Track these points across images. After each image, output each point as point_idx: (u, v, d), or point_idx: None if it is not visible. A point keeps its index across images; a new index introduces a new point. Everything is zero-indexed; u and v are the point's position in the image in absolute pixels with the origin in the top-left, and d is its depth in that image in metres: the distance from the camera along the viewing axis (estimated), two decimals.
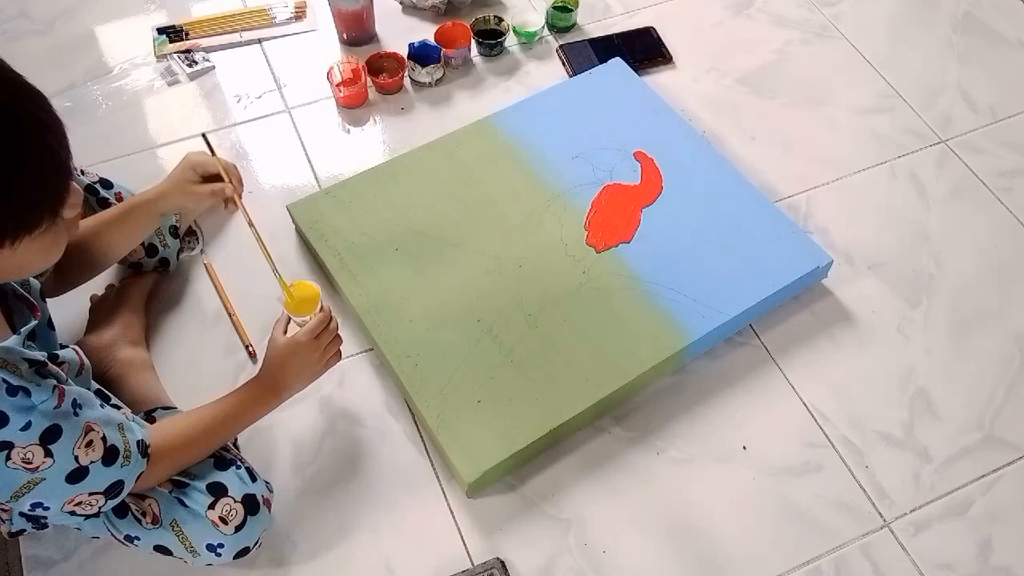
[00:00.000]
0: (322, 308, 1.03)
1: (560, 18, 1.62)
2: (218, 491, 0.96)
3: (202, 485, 0.96)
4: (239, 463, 1.01)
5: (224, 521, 0.95)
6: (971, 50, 1.62)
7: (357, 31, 1.59)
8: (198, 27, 1.61)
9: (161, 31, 1.60)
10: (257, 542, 0.99)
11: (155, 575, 1.04)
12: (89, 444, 0.83)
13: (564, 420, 1.10)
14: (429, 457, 1.13)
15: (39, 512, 0.85)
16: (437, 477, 1.12)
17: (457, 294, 1.20)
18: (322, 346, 1.02)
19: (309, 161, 1.43)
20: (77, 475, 0.83)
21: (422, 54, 1.51)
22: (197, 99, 1.51)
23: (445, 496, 1.10)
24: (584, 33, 1.63)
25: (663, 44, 1.60)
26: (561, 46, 1.60)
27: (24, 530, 1.00)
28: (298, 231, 1.31)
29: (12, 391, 0.77)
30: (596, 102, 1.43)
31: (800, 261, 1.23)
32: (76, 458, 0.82)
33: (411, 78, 1.53)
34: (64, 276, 1.06)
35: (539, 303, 1.19)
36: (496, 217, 1.28)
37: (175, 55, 1.57)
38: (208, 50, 1.58)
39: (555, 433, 1.10)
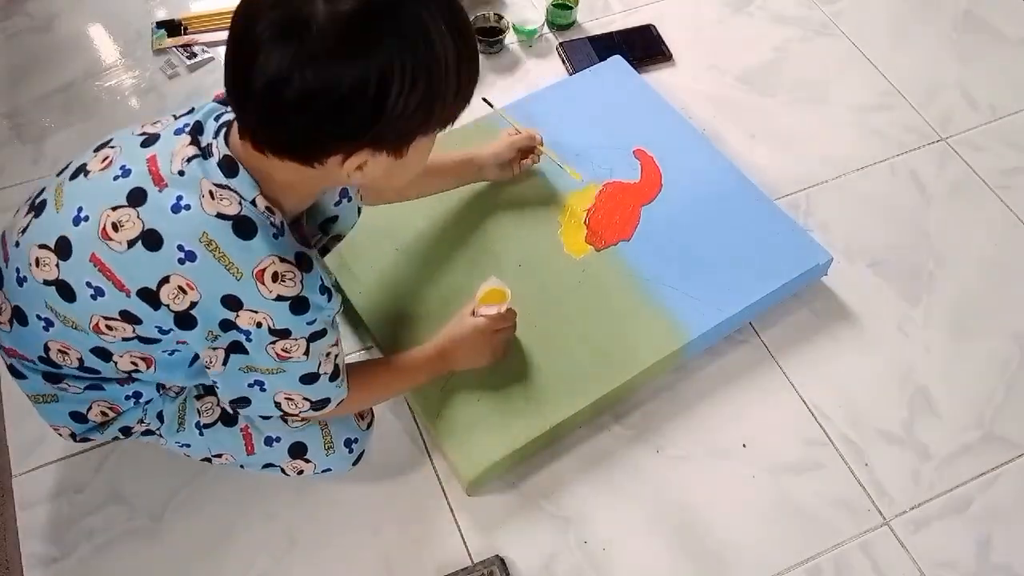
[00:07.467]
0: (508, 308, 1.08)
1: (560, 16, 1.61)
2: None
3: None
4: None
5: (361, 416, 1.05)
6: (971, 48, 1.62)
7: None
8: (196, 22, 1.61)
9: (160, 25, 1.61)
10: (364, 452, 1.06)
11: (154, 572, 1.04)
12: (327, 355, 0.87)
13: (564, 418, 1.10)
14: (429, 455, 1.13)
15: (253, 391, 0.87)
16: (437, 475, 1.12)
17: (457, 293, 1.20)
18: (494, 338, 1.08)
19: None
20: (310, 378, 0.87)
21: None
22: (197, 92, 1.51)
23: (445, 494, 1.10)
24: (584, 31, 1.63)
25: (663, 42, 1.60)
26: (561, 44, 1.59)
27: (88, 439, 0.98)
28: None
29: (323, 290, 0.82)
30: (596, 100, 1.43)
31: (800, 259, 1.23)
32: (319, 364, 0.86)
33: None
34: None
35: (539, 302, 1.19)
36: (496, 216, 1.27)
37: (174, 48, 1.58)
38: (206, 46, 1.58)
39: (555, 431, 1.10)
